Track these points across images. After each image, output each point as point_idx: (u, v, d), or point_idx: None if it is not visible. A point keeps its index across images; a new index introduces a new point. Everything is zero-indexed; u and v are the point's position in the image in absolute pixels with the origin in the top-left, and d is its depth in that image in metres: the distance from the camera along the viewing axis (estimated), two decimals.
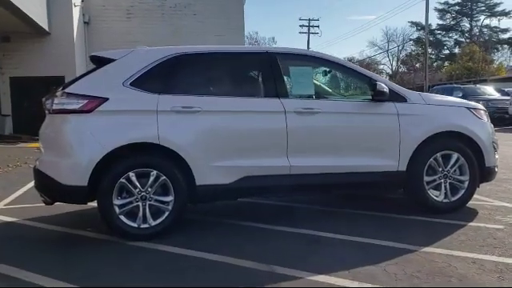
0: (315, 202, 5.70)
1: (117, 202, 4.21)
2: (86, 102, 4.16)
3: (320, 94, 4.96)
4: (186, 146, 4.30)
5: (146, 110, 4.29)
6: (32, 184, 7.52)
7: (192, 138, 4.32)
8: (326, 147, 4.59)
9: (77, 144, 4.17)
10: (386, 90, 4.62)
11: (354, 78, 4.93)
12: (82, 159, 4.14)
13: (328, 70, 5.05)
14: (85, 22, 19.86)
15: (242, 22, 21.99)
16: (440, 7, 59.46)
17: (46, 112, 4.45)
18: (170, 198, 4.31)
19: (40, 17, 15.35)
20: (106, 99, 4.19)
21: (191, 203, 4.46)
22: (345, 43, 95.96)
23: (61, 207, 5.53)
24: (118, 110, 4.24)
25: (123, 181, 4.21)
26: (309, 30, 50.21)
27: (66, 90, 4.25)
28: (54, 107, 4.23)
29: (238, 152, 4.44)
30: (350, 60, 54.38)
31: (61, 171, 4.19)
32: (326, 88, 5.24)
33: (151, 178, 4.27)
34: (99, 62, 4.61)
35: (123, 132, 4.21)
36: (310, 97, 4.76)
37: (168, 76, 4.43)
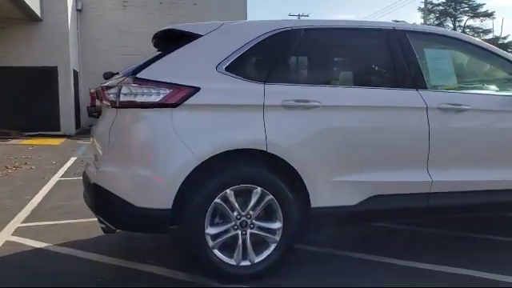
0: (430, 223, 4.54)
1: (210, 230, 3.04)
2: (169, 92, 2.98)
3: (465, 86, 3.84)
4: (300, 154, 3.15)
5: (249, 105, 3.12)
6: (45, 192, 6.45)
7: (307, 144, 3.17)
8: (475, 156, 3.50)
9: (158, 151, 2.97)
10: None
11: (503, 68, 3.80)
12: (165, 172, 2.95)
13: (471, 54, 3.89)
14: (77, 10, 18.37)
15: (244, 13, 20.78)
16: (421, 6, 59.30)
17: (105, 105, 3.24)
18: (277, 225, 3.16)
19: (32, 0, 13.86)
20: (197, 89, 3.01)
21: (300, 232, 3.30)
22: None
23: (92, 225, 4.34)
24: (213, 103, 3.06)
25: (218, 201, 3.05)
26: None
27: (140, 75, 3.05)
28: (123, 99, 3.02)
29: (366, 163, 3.31)
30: None
31: (134, 189, 3.00)
32: (473, 78, 4.11)
33: (254, 198, 3.11)
34: (171, 38, 3.40)
35: (221, 134, 3.04)
36: (453, 88, 3.64)
37: (273, 59, 3.25)
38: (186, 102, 2.98)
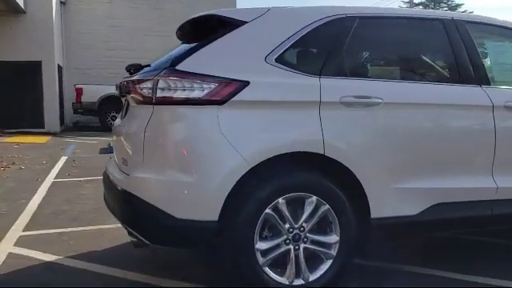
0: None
1: (260, 245, 2.65)
2: (215, 87, 2.58)
3: None
4: (360, 157, 2.79)
5: (304, 102, 2.74)
6: (42, 195, 5.86)
7: (368, 146, 2.81)
8: None
9: (203, 155, 2.57)
10: None
11: None
12: (211, 178, 2.55)
13: None
14: (61, 2, 17.69)
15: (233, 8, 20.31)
16: (404, 6, 59.90)
17: (137, 101, 2.82)
18: (334, 239, 2.79)
19: None
20: (246, 83, 2.62)
21: (357, 246, 2.93)
22: None
23: (102, 233, 3.92)
24: (264, 100, 2.67)
25: (269, 212, 2.66)
26: None
27: (180, 67, 2.64)
28: (160, 94, 2.61)
29: (429, 168, 2.97)
30: None
31: (174, 198, 2.59)
32: None
33: (308, 208, 2.73)
34: (207, 26, 2.99)
35: (273, 135, 2.65)
36: None
37: (327, 49, 2.87)
38: (233, 99, 2.59)
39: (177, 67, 2.64)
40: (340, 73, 2.85)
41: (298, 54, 2.82)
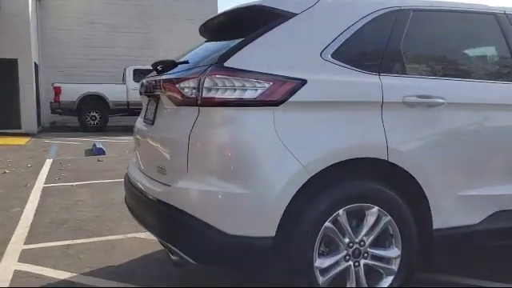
0: None
1: (319, 263, 2.38)
2: (269, 86, 2.29)
3: None
4: (423, 163, 2.54)
5: (366, 102, 2.47)
6: (35, 203, 5.38)
7: (431, 150, 2.57)
8: None
9: (258, 162, 2.27)
10: None
11: None
12: (268, 189, 2.26)
13: None
14: None
15: (215, 5, 19.97)
16: None
17: (175, 101, 2.50)
18: (395, 253, 2.54)
19: None
20: (303, 82, 2.33)
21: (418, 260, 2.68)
22: None
23: (113, 245, 3.60)
24: (323, 100, 2.40)
25: (329, 225, 2.38)
26: None
27: (228, 64, 2.33)
28: (206, 95, 2.30)
29: (493, 173, 2.75)
30: None
31: (226, 211, 2.29)
32: None
33: (369, 220, 2.47)
34: (253, 17, 2.69)
35: (334, 140, 2.38)
36: None
37: (384, 44, 2.60)
38: (290, 99, 2.30)
39: (225, 64, 2.33)
40: (399, 70, 2.60)
41: (354, 50, 2.54)
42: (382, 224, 2.48)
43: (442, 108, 2.57)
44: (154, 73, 3.01)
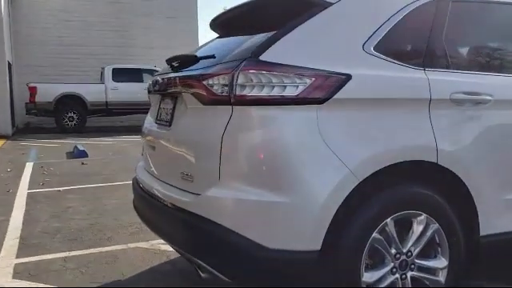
0: None
1: (366, 277, 2.15)
2: (311, 82, 2.05)
3: None
4: (471, 165, 2.34)
5: (413, 100, 2.26)
6: (21, 210, 4.99)
7: (479, 152, 2.37)
8: None
9: (301, 167, 2.02)
10: None
11: None
12: (314, 197, 2.02)
13: None
14: None
15: (194, 3, 19.64)
16: None
17: (204, 99, 2.22)
18: (442, 263, 2.33)
19: None
20: (348, 77, 2.10)
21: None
22: None
23: (115, 255, 3.32)
24: (369, 97, 2.17)
25: (377, 236, 2.16)
26: None
27: (264, 58, 2.09)
28: (241, 92, 2.05)
29: None
30: None
31: (266, 223, 2.04)
32: None
33: (417, 228, 2.26)
34: (282, 7, 2.45)
35: (383, 142, 2.15)
36: None
37: (426, 36, 2.39)
38: (335, 96, 2.07)
39: (260, 58, 2.08)
40: (443, 64, 2.39)
41: (397, 42, 2.33)
42: (429, 232, 2.28)
43: (489, 105, 2.38)
44: (168, 69, 2.73)
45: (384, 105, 2.19)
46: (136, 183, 3.00)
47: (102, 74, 15.84)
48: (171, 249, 3.66)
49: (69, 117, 15.14)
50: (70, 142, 11.72)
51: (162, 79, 2.67)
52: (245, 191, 2.05)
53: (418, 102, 2.25)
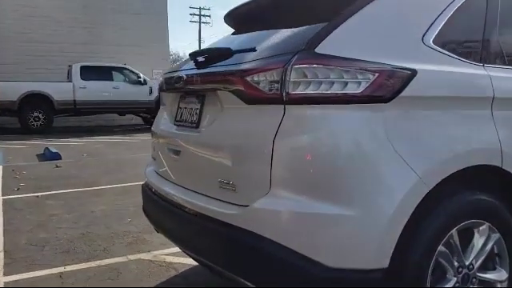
0: None
1: None
2: (374, 78, 1.81)
3: None
4: None
5: (477, 98, 2.07)
6: (0, 220, 5.01)
7: None
8: None
9: (367, 175, 1.78)
10: None
11: None
12: (381, 209, 1.78)
13: None
14: None
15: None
16: None
17: (247, 96, 1.95)
18: (503, 275, 2.14)
19: None
20: (413, 73, 1.88)
21: None
22: None
23: (116, 268, 3.02)
24: (434, 95, 1.96)
25: (442, 249, 1.95)
26: (200, 18, 47.88)
27: (320, 50, 1.84)
28: (295, 90, 1.79)
29: None
30: None
31: (326, 239, 1.78)
32: None
33: (480, 239, 2.07)
34: None
35: (450, 145, 1.94)
36: None
37: (483, 30, 2.19)
38: (401, 94, 1.84)
39: (316, 50, 1.83)
40: (500, 60, 2.21)
41: (454, 35, 2.12)
42: (491, 243, 2.09)
43: None
44: (191, 64, 2.44)
45: (448, 104, 1.98)
46: (148, 189, 2.72)
47: (69, 72, 15.21)
48: (178, 260, 3.39)
49: (34, 117, 14.45)
50: (37, 144, 11.15)
51: (182, 76, 2.37)
52: (300, 202, 1.80)
53: (481, 100, 2.06)
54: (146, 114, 16.05)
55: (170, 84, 2.61)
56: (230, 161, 2.01)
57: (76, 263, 3.44)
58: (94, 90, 14.72)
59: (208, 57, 2.31)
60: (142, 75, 15.53)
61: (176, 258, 3.47)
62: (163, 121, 2.72)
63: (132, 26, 17.79)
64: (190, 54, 2.44)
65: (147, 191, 2.73)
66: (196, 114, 2.31)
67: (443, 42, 2.04)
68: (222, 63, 2.18)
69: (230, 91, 2.03)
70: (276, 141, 1.82)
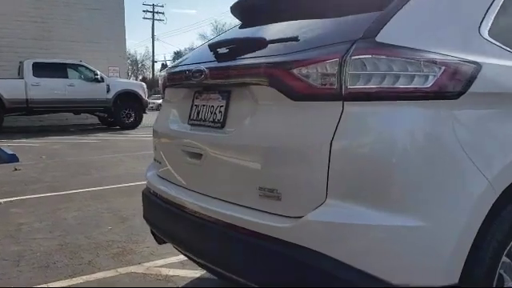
0: None
1: None
2: (441, 71, 1.61)
3: None
4: None
5: None
6: None
7: None
8: None
9: (437, 181, 1.58)
10: None
11: None
12: (454, 219, 1.58)
13: None
14: None
15: None
16: None
17: (295, 92, 1.70)
18: None
19: None
20: (478, 67, 1.69)
21: None
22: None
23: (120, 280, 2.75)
24: (498, 92, 1.78)
25: (506, 260, 1.78)
26: (153, 15, 46.94)
27: (381, 39, 1.62)
28: (355, 84, 1.57)
29: None
30: (178, 52, 52.47)
31: (391, 254, 1.57)
32: None
33: None
34: None
35: None
36: None
37: None
38: (469, 90, 1.65)
39: (377, 38, 1.62)
40: None
41: (504, 26, 1.95)
42: None
43: None
44: (209, 56, 2.16)
45: (510, 100, 1.81)
46: (153, 196, 2.42)
47: (20, 68, 14.40)
48: (174, 273, 3.12)
49: None
50: None
51: (202, 69, 2.09)
52: (362, 214, 1.57)
53: None
54: (103, 113, 15.42)
55: (180, 79, 2.32)
56: (273, 166, 1.75)
57: (60, 279, 3.08)
58: (47, 87, 14.00)
59: (234, 48, 2.04)
60: (99, 72, 14.88)
61: (172, 270, 3.18)
62: (170, 120, 2.42)
63: (87, 22, 17.07)
64: (208, 45, 2.16)
65: (152, 198, 2.44)
66: (220, 112, 2.04)
67: (497, 34, 1.87)
68: (255, 54, 1.92)
69: (269, 86, 1.78)
70: (334, 143, 1.58)
